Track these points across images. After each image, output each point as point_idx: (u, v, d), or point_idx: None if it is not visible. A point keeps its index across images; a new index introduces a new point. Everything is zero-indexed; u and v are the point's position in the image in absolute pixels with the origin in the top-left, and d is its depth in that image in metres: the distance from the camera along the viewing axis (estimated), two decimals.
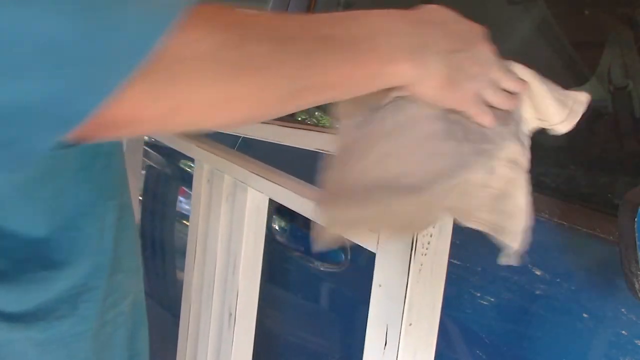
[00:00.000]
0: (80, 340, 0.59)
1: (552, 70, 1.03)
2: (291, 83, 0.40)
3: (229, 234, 0.92)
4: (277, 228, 1.05)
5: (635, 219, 0.52)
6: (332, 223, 0.49)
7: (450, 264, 0.76)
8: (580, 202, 0.70)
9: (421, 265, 0.55)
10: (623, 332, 0.60)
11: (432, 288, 0.57)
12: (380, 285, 0.58)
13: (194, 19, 0.35)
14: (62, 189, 0.55)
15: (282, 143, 0.85)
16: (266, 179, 0.80)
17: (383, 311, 0.57)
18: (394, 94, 0.48)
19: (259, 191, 0.84)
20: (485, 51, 0.50)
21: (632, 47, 0.98)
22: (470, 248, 0.76)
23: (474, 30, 0.50)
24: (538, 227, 0.72)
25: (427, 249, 0.55)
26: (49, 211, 0.54)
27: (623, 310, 0.61)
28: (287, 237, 1.03)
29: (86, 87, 0.32)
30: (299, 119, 1.22)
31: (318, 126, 1.02)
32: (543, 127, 0.54)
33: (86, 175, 0.57)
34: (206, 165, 0.97)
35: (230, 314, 0.90)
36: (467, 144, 0.47)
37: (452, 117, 0.48)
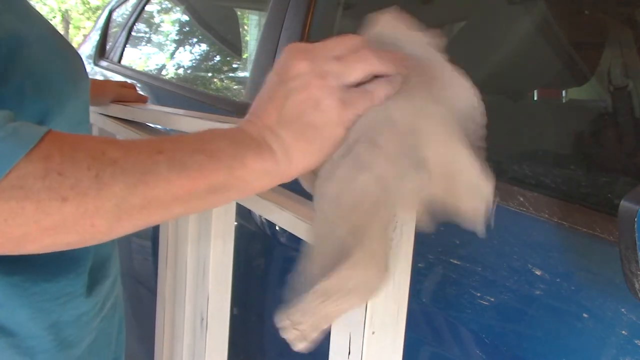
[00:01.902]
0: (67, 347, 0.58)
1: (552, 71, 1.03)
2: (115, 207, 0.38)
3: (198, 237, 0.91)
4: (277, 228, 1.05)
5: (635, 219, 0.52)
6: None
7: (450, 264, 0.77)
8: (580, 202, 0.70)
9: None
10: (623, 332, 0.60)
11: (396, 295, 0.54)
12: None
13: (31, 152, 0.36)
14: None
15: None
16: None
17: (345, 319, 0.55)
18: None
19: None
20: (296, 67, 0.44)
21: (632, 47, 0.98)
22: (470, 248, 0.76)
23: (281, 61, 0.45)
24: (538, 227, 0.72)
25: None
26: None
27: (623, 310, 0.61)
28: (288, 237, 1.03)
29: None
30: None
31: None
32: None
33: None
34: None
35: (202, 319, 0.90)
36: (379, 161, 0.43)
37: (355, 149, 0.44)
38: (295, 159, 0.43)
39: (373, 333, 0.53)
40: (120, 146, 0.40)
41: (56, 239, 0.39)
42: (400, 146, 0.44)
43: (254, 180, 0.42)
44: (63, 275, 0.57)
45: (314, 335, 0.44)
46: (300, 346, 0.44)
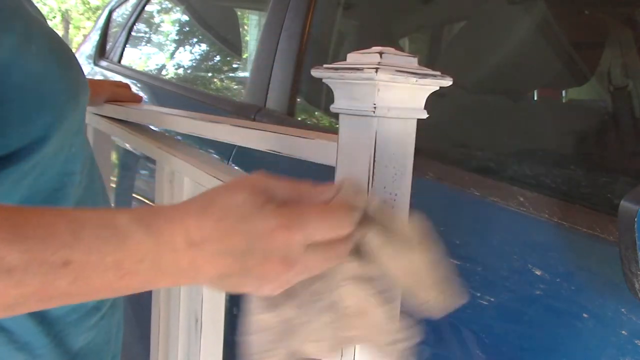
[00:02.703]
0: (65, 344, 0.59)
1: (552, 71, 1.03)
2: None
3: None
4: None
5: (635, 219, 0.52)
6: None
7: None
8: (580, 202, 0.70)
9: None
10: (623, 332, 0.60)
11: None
12: None
13: None
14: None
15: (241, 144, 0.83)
16: (224, 182, 0.76)
17: None
18: None
19: None
20: (281, 238, 0.40)
21: (632, 47, 0.98)
22: (470, 248, 0.76)
23: (259, 209, 0.40)
24: (538, 227, 0.72)
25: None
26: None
27: (623, 310, 0.61)
28: None
29: None
30: (299, 119, 1.22)
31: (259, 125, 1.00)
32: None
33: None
34: (167, 166, 0.96)
35: (197, 320, 0.90)
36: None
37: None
38: (202, 261, 0.40)
39: None
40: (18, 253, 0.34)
41: None
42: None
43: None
44: None
45: None
46: None
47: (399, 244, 0.47)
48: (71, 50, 0.63)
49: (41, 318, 0.57)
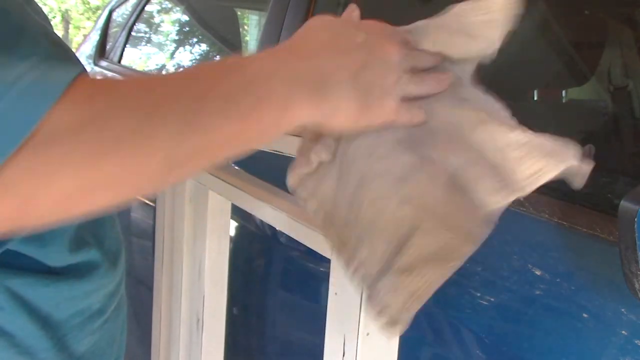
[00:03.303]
0: (68, 348, 0.58)
1: (552, 71, 1.03)
2: (167, 153, 0.35)
3: (194, 237, 0.91)
4: (277, 228, 1.05)
5: (635, 219, 0.52)
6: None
7: None
8: (580, 202, 0.70)
9: None
10: (623, 332, 0.60)
11: None
12: (336, 294, 0.56)
13: (60, 99, 0.32)
14: None
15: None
16: (226, 182, 0.76)
17: (340, 320, 0.55)
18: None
19: (219, 194, 0.81)
20: (391, 52, 0.45)
21: (632, 47, 0.98)
22: None
23: (370, 31, 0.46)
24: (538, 227, 0.72)
25: None
26: None
27: (623, 310, 0.61)
28: (287, 237, 1.03)
29: None
30: None
31: None
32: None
33: None
34: None
35: (198, 319, 0.89)
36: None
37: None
38: (336, 119, 0.43)
39: (367, 334, 0.53)
40: (163, 86, 0.37)
41: (109, 195, 0.36)
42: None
43: (298, 122, 0.42)
44: (63, 282, 0.57)
45: (406, 317, 0.42)
46: (393, 332, 0.42)
47: None
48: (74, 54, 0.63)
49: (44, 322, 0.56)
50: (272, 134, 0.41)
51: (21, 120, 0.31)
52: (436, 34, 0.48)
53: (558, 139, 0.45)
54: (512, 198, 0.45)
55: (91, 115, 0.33)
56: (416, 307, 0.42)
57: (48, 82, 0.33)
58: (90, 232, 0.60)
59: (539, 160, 0.45)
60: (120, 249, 0.68)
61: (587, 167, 0.45)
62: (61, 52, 0.38)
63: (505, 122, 0.45)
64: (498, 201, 0.45)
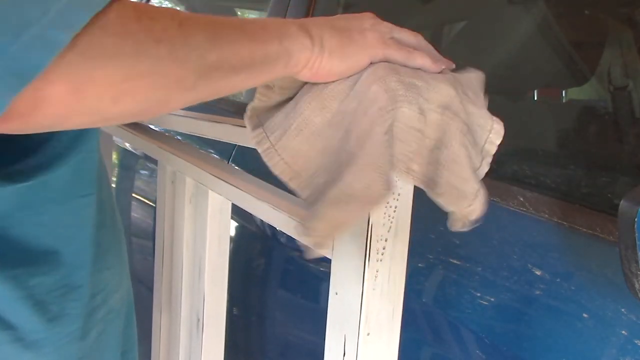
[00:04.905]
0: (72, 340, 0.59)
1: (552, 70, 1.03)
2: (198, 59, 0.41)
3: (194, 237, 0.91)
4: (277, 229, 1.05)
5: (635, 219, 0.52)
6: (318, 227, 0.46)
7: (450, 264, 0.77)
8: (580, 202, 0.70)
9: (377, 271, 0.52)
10: (623, 332, 0.60)
11: (391, 296, 0.54)
12: (336, 293, 0.56)
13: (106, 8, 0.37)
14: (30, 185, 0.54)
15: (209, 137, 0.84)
16: (226, 182, 0.76)
17: (340, 320, 0.55)
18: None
19: (219, 194, 0.81)
20: (364, 16, 0.53)
21: (632, 47, 0.98)
22: (470, 248, 0.76)
23: (358, 16, 0.53)
24: (538, 227, 0.72)
25: (382, 254, 0.52)
26: (18, 205, 0.54)
27: (623, 310, 0.61)
28: (288, 237, 1.03)
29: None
30: None
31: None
32: None
33: (55, 175, 0.56)
34: (169, 166, 0.95)
35: (199, 320, 0.89)
36: (396, 82, 0.46)
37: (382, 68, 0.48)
38: (326, 51, 0.49)
39: (368, 334, 0.53)
40: (186, 12, 0.44)
41: (149, 92, 0.40)
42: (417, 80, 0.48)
43: (297, 52, 0.47)
44: (63, 268, 0.57)
45: (327, 241, 0.47)
46: (315, 252, 0.47)
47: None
48: None
49: (52, 314, 0.57)
50: (279, 62, 0.47)
51: (82, 10, 0.35)
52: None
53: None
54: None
55: (137, 15, 0.38)
56: (336, 234, 0.47)
57: None
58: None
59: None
60: (120, 238, 0.68)
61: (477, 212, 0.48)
62: None
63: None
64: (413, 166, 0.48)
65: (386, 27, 0.52)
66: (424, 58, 0.51)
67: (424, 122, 0.46)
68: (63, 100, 0.37)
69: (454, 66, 0.53)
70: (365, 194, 0.45)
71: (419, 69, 0.50)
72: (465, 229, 0.48)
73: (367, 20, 0.52)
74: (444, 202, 0.47)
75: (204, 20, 0.43)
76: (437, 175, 0.46)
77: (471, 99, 0.50)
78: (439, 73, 0.50)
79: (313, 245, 0.47)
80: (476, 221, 0.48)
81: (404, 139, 0.46)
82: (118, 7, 0.37)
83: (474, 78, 0.53)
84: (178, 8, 2.28)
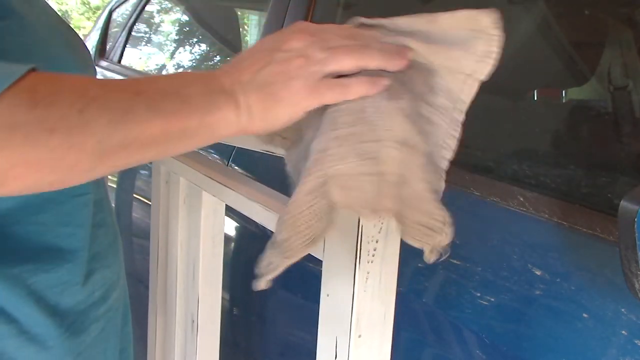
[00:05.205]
0: (72, 335, 0.59)
1: (552, 71, 1.03)
2: (98, 144, 0.39)
3: (188, 238, 0.91)
4: None
5: (635, 219, 0.52)
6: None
7: (450, 264, 0.77)
8: (580, 202, 0.70)
9: (368, 273, 0.52)
10: (623, 332, 0.60)
11: (382, 297, 0.53)
12: (327, 295, 0.55)
13: (6, 89, 0.36)
14: None
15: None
16: (220, 183, 0.76)
17: (332, 322, 0.55)
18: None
19: (213, 195, 0.81)
20: (292, 41, 0.47)
21: (632, 47, 0.98)
22: (470, 248, 0.76)
23: (283, 32, 0.48)
24: (538, 227, 0.72)
25: (373, 255, 0.52)
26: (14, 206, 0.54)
27: (623, 310, 0.61)
28: None
29: None
30: None
31: None
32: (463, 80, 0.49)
33: None
34: (163, 167, 0.95)
35: (193, 321, 0.89)
36: (327, 140, 0.45)
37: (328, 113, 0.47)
38: (255, 118, 0.46)
39: (359, 336, 0.53)
40: (100, 85, 0.42)
41: (40, 176, 0.39)
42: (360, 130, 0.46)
43: (220, 129, 0.45)
44: (61, 265, 0.58)
45: (271, 275, 0.49)
46: (263, 283, 0.49)
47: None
48: (77, 33, 0.66)
49: (53, 310, 0.57)
50: (200, 136, 0.44)
51: None
52: (428, 40, 0.48)
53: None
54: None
55: (31, 102, 0.37)
56: (271, 274, 0.49)
57: (4, 71, 0.37)
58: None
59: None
60: (116, 237, 0.69)
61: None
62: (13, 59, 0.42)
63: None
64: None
65: (316, 61, 0.46)
66: (361, 86, 0.46)
67: (373, 165, 0.44)
68: None
69: (404, 63, 0.48)
70: (283, 248, 0.47)
71: (365, 99, 0.46)
72: (442, 258, 0.47)
73: (294, 60, 0.46)
74: (411, 242, 0.46)
75: (115, 98, 0.41)
76: (404, 216, 0.46)
77: (429, 102, 0.48)
78: (390, 94, 0.46)
79: (262, 274, 0.49)
80: (448, 246, 0.47)
81: (353, 187, 0.45)
82: (13, 95, 0.37)
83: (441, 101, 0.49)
84: (178, 8, 2.28)
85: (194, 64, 2.09)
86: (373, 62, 0.47)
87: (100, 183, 0.66)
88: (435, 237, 0.46)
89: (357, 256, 0.51)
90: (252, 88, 0.45)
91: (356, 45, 0.47)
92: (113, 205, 1.73)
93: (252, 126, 0.46)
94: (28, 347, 0.56)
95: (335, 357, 0.54)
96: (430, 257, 0.47)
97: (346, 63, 0.46)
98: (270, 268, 0.48)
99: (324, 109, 0.47)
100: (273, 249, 0.48)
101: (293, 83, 0.45)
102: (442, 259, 0.47)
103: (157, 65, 2.24)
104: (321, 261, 0.56)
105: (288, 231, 0.46)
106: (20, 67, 0.38)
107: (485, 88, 0.52)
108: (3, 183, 0.38)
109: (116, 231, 0.70)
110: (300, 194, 0.45)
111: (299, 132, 0.53)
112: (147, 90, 0.42)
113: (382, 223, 0.52)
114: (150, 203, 1.46)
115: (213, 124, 0.44)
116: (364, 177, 0.44)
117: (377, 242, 0.52)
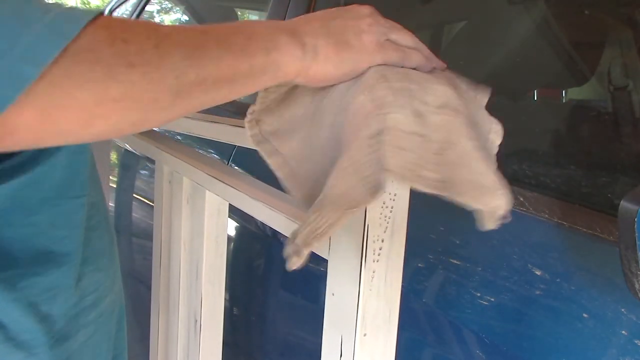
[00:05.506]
0: (59, 341, 0.58)
1: (552, 70, 1.03)
2: (175, 79, 0.40)
3: (191, 238, 0.90)
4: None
5: (635, 219, 0.52)
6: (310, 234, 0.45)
7: (450, 264, 0.77)
8: (580, 202, 0.70)
9: (373, 272, 0.52)
10: (623, 332, 0.60)
11: (387, 296, 0.54)
12: (333, 294, 0.55)
13: (85, 26, 0.37)
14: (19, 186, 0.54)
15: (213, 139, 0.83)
16: (223, 182, 0.76)
17: (337, 321, 0.55)
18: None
19: (217, 194, 0.81)
20: (361, 8, 0.51)
21: (632, 47, 0.98)
22: (470, 248, 0.76)
23: (355, 13, 0.52)
24: (538, 227, 0.72)
25: (378, 254, 0.52)
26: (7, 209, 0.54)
27: (623, 310, 0.61)
28: (285, 237, 1.03)
29: None
30: None
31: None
32: None
33: (44, 172, 0.56)
34: (166, 167, 0.95)
35: (196, 321, 0.89)
36: (384, 89, 0.45)
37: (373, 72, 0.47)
38: (320, 59, 0.47)
39: (365, 335, 0.53)
40: (166, 26, 0.43)
41: (123, 114, 0.39)
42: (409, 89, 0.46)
43: (286, 64, 0.46)
44: (54, 269, 0.57)
45: (305, 250, 0.45)
46: (295, 263, 0.45)
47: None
48: None
49: (43, 315, 0.56)
50: (262, 75, 0.46)
51: (52, 42, 0.36)
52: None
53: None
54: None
55: (109, 37, 0.38)
56: (314, 244, 0.45)
57: (76, 15, 0.38)
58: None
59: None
60: (111, 241, 0.68)
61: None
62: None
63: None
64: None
65: (384, 26, 0.51)
66: (419, 57, 0.51)
67: (422, 125, 0.44)
68: (32, 127, 0.37)
69: (445, 67, 0.52)
70: (343, 200, 0.43)
71: (413, 69, 0.50)
72: (495, 227, 0.47)
73: (365, 19, 0.50)
74: (467, 200, 0.45)
75: (185, 35, 0.42)
76: (453, 176, 0.44)
77: (468, 99, 0.50)
78: (432, 73, 0.50)
79: (291, 252, 0.45)
80: (505, 217, 0.46)
81: (405, 147, 0.43)
82: (92, 31, 0.37)
83: (472, 97, 0.52)
84: (178, 8, 2.28)
85: None
86: (425, 51, 0.51)
87: (97, 185, 0.65)
88: (489, 198, 0.45)
89: (363, 255, 0.51)
90: (322, 32, 0.48)
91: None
92: (113, 205, 1.73)
93: (315, 67, 0.47)
94: (14, 354, 0.55)
95: (341, 356, 0.54)
96: (485, 224, 0.45)
97: (407, 38, 0.51)
98: (322, 231, 0.44)
99: (315, 101, 0.48)
100: (323, 207, 0.43)
101: (364, 36, 0.49)
102: (495, 227, 0.45)
103: None
104: (322, 261, 0.56)
105: (350, 179, 0.43)
106: (94, 9, 0.39)
107: (492, 91, 0.52)
108: (91, 124, 0.38)
109: (112, 235, 0.69)
110: (362, 138, 0.43)
111: (289, 123, 0.52)
112: (213, 29, 0.44)
113: (387, 223, 0.52)
114: (150, 203, 1.46)
115: (279, 59, 0.45)
116: (415, 137, 0.44)
117: (382, 241, 0.52)
